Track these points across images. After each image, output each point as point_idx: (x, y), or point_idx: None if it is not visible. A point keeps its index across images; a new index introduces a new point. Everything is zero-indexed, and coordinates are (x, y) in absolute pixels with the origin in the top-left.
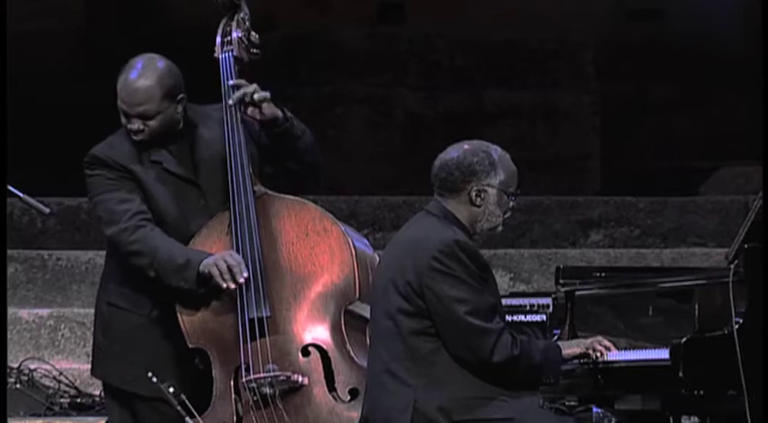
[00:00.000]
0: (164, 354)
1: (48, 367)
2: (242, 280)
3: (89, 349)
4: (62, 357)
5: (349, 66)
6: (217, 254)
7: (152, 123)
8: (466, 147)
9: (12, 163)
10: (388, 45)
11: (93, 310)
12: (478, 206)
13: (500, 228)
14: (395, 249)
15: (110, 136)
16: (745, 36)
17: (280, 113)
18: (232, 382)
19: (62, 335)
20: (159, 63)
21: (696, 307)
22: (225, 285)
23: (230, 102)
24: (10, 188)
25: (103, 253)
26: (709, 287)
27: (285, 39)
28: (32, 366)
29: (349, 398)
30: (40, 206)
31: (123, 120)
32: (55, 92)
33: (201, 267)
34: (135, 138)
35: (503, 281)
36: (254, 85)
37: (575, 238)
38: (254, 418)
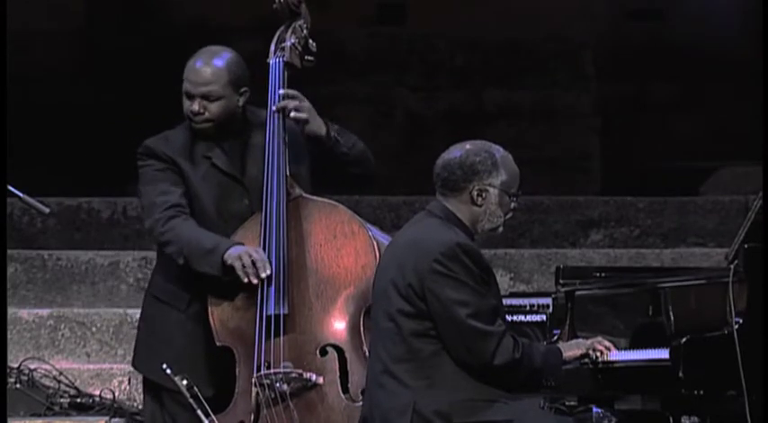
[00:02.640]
0: (195, 349)
1: (48, 367)
2: (264, 276)
3: (89, 349)
4: (62, 357)
5: (349, 66)
6: (243, 247)
7: (212, 108)
8: (468, 146)
9: (12, 163)
10: (388, 45)
11: (93, 310)
12: (480, 206)
13: (501, 228)
14: (395, 249)
15: (166, 132)
16: (744, 36)
17: (323, 132)
18: (254, 380)
19: (62, 335)
20: (228, 52)
21: (694, 307)
22: (246, 280)
23: (273, 108)
24: (10, 188)
25: (103, 253)
26: (708, 287)
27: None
28: (32, 366)
29: (361, 399)
30: (40, 206)
31: (186, 103)
32: (55, 92)
33: (225, 257)
34: (194, 122)
35: (503, 281)
36: (295, 103)
37: (575, 238)
38: (266, 414)
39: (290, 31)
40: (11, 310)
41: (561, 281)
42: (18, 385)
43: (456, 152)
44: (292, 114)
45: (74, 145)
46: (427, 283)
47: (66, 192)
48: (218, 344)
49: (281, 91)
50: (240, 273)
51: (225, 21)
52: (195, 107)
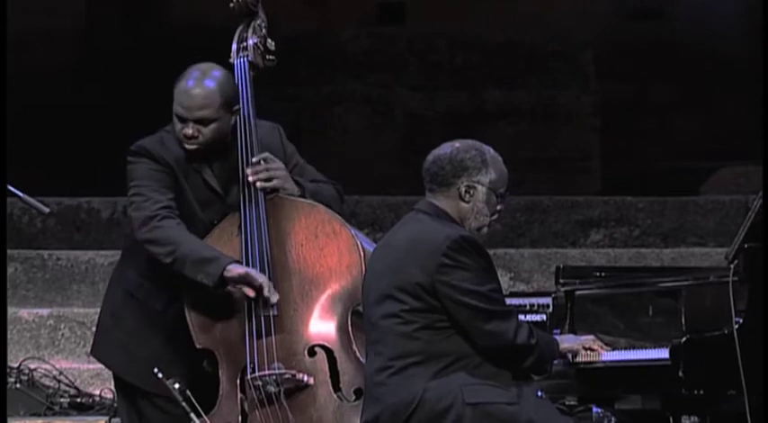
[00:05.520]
0: (170, 351)
1: (48, 367)
2: (274, 301)
3: (89, 349)
4: (62, 357)
5: (349, 66)
6: (245, 267)
7: (206, 131)
8: (458, 144)
9: (12, 163)
10: (388, 45)
11: (93, 310)
12: (467, 202)
13: (485, 229)
14: (389, 251)
15: (160, 131)
16: (745, 36)
17: (296, 194)
18: (238, 382)
19: (62, 335)
20: (218, 71)
21: (694, 307)
22: (254, 294)
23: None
24: (10, 188)
25: (103, 253)
26: (708, 287)
27: (285, 39)
28: (32, 366)
29: (354, 398)
30: (40, 206)
31: (179, 125)
32: (55, 92)
33: (229, 269)
34: (187, 145)
35: (503, 281)
36: (266, 174)
37: (575, 238)
38: (258, 416)
39: (250, 30)
40: (11, 310)
41: (561, 281)
42: (18, 385)
43: (446, 148)
44: (259, 185)
45: (74, 145)
46: (439, 278)
47: (66, 192)
48: (198, 346)
49: (253, 159)
50: (253, 285)
51: (225, 21)
52: (189, 131)
